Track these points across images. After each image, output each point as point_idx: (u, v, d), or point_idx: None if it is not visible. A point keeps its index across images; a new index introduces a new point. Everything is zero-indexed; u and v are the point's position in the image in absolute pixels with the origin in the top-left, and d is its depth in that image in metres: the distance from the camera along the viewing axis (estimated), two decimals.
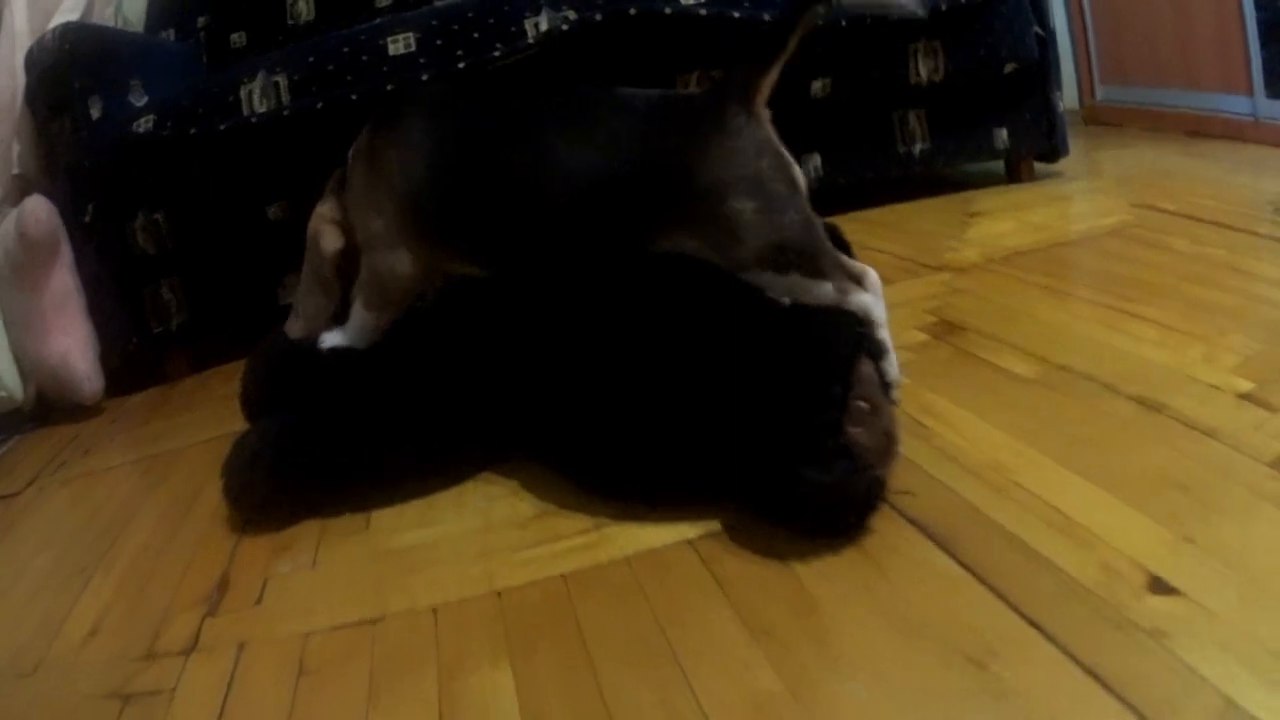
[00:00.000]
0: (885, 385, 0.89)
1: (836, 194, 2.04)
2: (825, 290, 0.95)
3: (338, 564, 1.01)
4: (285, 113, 1.73)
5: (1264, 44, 2.36)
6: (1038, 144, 2.12)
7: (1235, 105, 2.48)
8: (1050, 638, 0.71)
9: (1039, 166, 2.20)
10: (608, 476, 1.00)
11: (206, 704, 0.82)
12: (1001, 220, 1.86)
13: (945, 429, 1.05)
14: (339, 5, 2.38)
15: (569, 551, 0.95)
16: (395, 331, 1.13)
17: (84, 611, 1.02)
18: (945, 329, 1.34)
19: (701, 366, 0.91)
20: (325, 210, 1.19)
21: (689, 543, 0.92)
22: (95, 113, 1.77)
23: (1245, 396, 1.02)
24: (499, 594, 0.90)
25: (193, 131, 1.73)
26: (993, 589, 0.77)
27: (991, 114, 2.08)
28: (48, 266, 1.72)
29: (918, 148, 2.05)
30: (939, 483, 0.94)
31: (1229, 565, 0.75)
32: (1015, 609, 0.74)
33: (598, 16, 1.75)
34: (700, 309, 0.97)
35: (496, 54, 1.74)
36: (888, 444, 0.84)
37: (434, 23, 1.77)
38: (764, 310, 0.94)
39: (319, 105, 1.73)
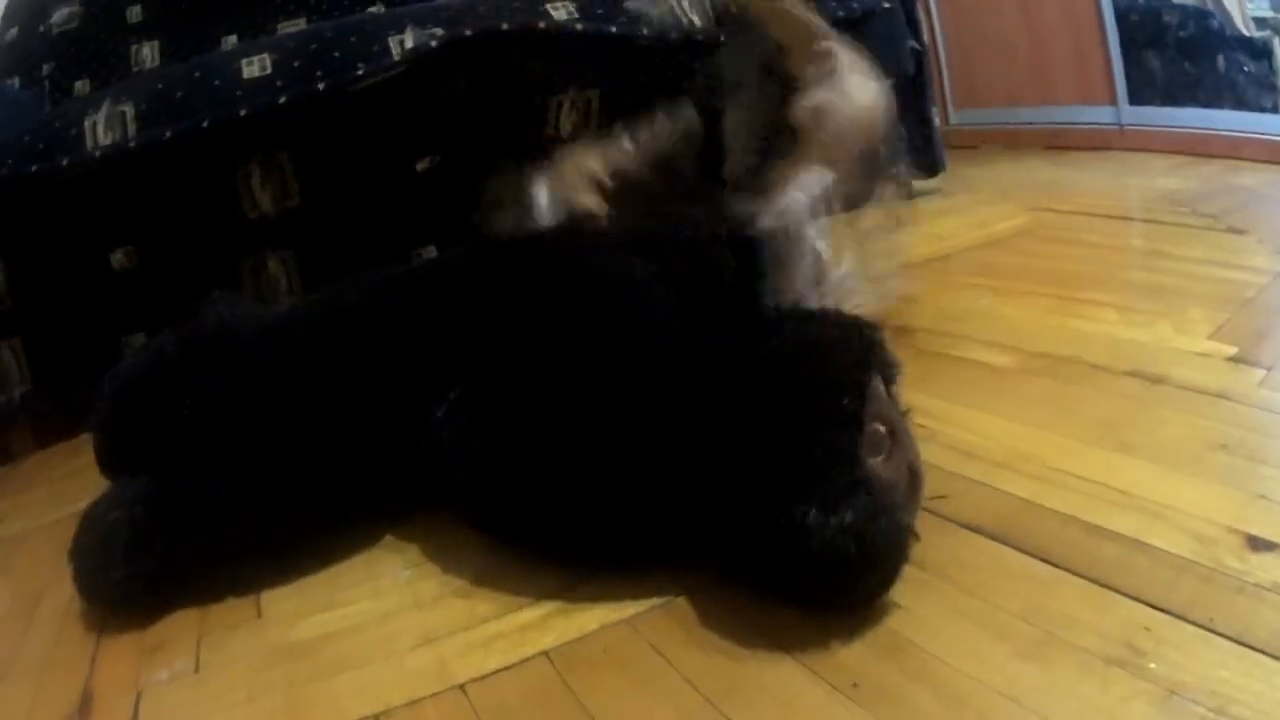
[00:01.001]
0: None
1: None
2: None
3: (228, 666, 0.77)
4: (131, 145, 1.54)
5: (1125, 50, 2.42)
6: (916, 158, 2.09)
7: (1098, 115, 2.55)
8: (1182, 617, 0.61)
9: (917, 184, 2.17)
10: (568, 537, 0.80)
11: None
12: (905, 234, 1.80)
13: (949, 427, 0.94)
14: (182, 50, 2.23)
15: (543, 620, 0.75)
16: (280, 357, 0.93)
17: None
18: (898, 331, 1.23)
19: (680, 391, 0.74)
20: None
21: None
22: None
23: (1235, 360, 0.98)
24: (463, 688, 0.69)
25: (33, 169, 1.53)
26: (1092, 580, 0.67)
27: None
28: None
29: None
30: (973, 481, 0.83)
31: None
32: (1129, 595, 0.64)
33: (467, 33, 1.62)
34: (671, 327, 0.82)
35: (360, 73, 1.58)
36: (913, 482, 0.68)
37: (290, 45, 1.62)
38: (755, 317, 0.80)
39: (167, 135, 1.54)
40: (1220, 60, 2.30)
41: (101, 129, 1.55)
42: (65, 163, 1.53)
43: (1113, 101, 2.47)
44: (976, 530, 0.76)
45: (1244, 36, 2.24)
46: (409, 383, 0.87)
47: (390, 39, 1.62)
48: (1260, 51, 2.22)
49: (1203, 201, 1.70)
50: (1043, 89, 2.68)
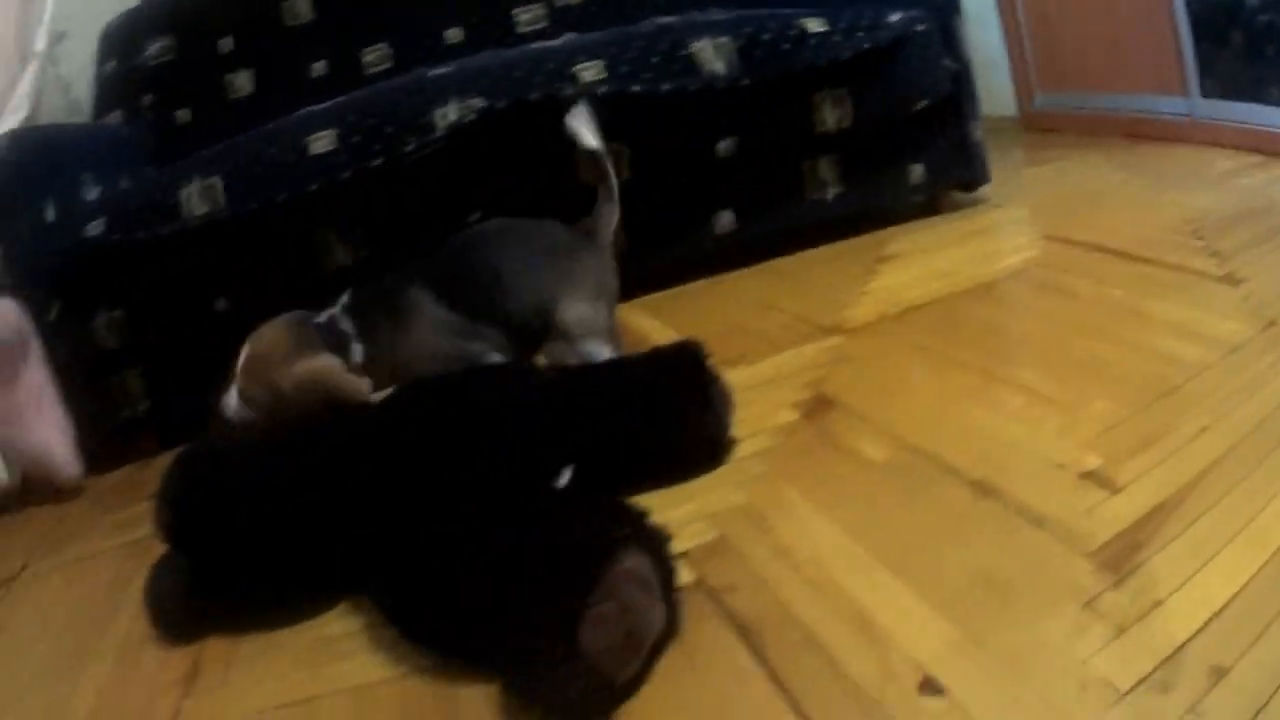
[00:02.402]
0: (664, 571, 0.93)
1: (751, 245, 2.10)
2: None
3: (287, 647, 1.11)
4: (222, 215, 1.81)
5: (1196, 43, 2.39)
6: (956, 175, 2.17)
7: (1171, 106, 2.53)
8: None
9: (961, 195, 2.24)
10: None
11: None
12: (907, 267, 1.92)
13: (785, 523, 1.10)
14: (276, 81, 2.49)
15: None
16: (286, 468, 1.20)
17: (83, 696, 1.11)
18: (817, 404, 1.39)
19: (494, 554, 0.97)
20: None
21: None
22: (50, 215, 1.86)
23: (1088, 475, 1.06)
24: (403, 677, 1.00)
25: (140, 236, 1.81)
26: (781, 687, 0.85)
27: (906, 151, 2.13)
28: (19, 364, 1.81)
29: (830, 193, 2.11)
30: (762, 579, 1.01)
31: (1007, 667, 0.81)
32: (795, 708, 0.82)
33: (500, 104, 1.81)
34: (507, 498, 1.06)
35: (409, 149, 1.81)
36: (634, 645, 0.87)
37: (351, 118, 1.85)
38: (544, 511, 1.02)
39: (253, 207, 1.81)
40: None
41: (196, 200, 1.82)
42: (166, 231, 1.81)
43: (1184, 93, 2.44)
44: (735, 623, 0.95)
45: None
46: (359, 500, 1.14)
47: (435, 112, 1.83)
48: None
49: (1232, 228, 1.74)
50: (1120, 77, 2.66)
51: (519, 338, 1.53)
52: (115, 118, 2.48)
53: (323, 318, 1.50)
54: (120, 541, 1.55)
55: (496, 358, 1.51)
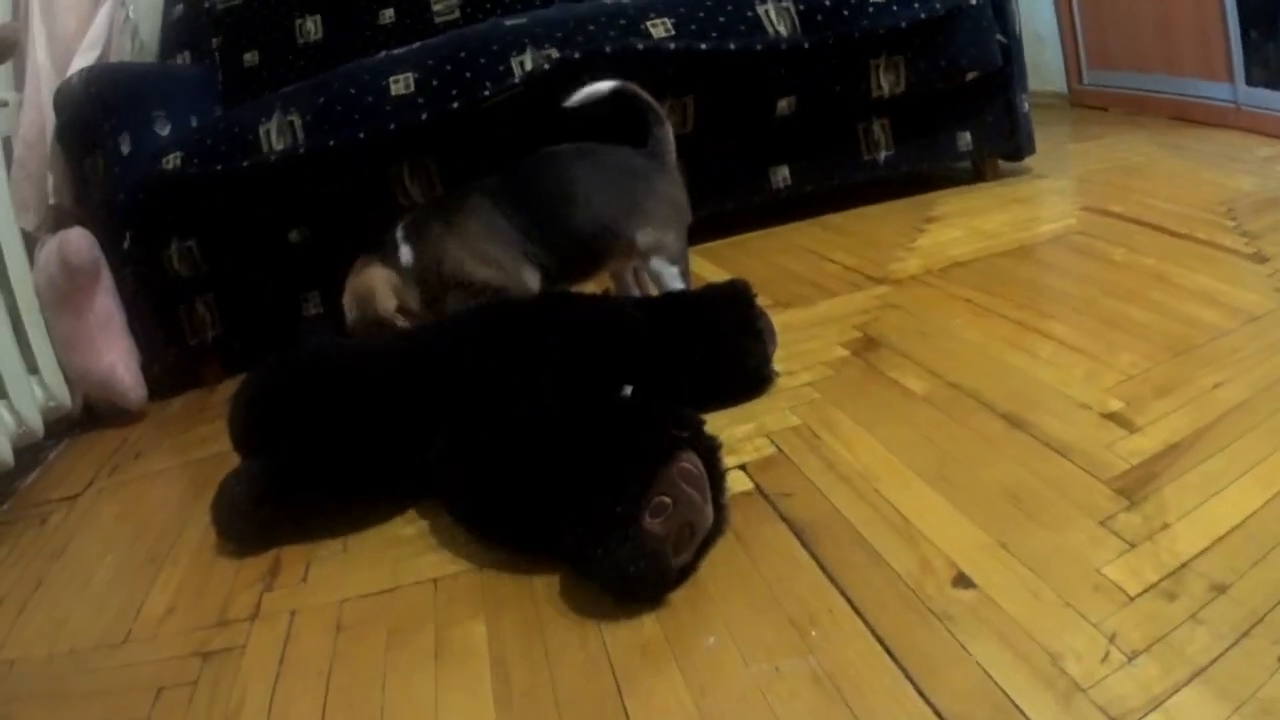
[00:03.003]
0: (714, 476, 1.03)
1: (805, 200, 2.20)
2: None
3: (364, 549, 1.22)
4: (301, 151, 1.91)
5: (1244, 30, 2.45)
6: (1001, 145, 2.25)
7: (1217, 92, 2.58)
8: (859, 613, 0.90)
9: (1006, 164, 2.33)
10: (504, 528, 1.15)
11: (271, 656, 1.04)
12: (953, 227, 2.02)
13: (835, 441, 1.23)
14: (344, 25, 2.55)
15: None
16: (353, 379, 1.30)
17: (159, 595, 1.21)
18: (865, 344, 1.51)
19: (563, 450, 1.06)
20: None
21: None
22: (125, 148, 1.94)
23: (1110, 416, 1.17)
24: (480, 569, 1.11)
25: (218, 169, 1.91)
26: (830, 575, 0.97)
27: (954, 119, 2.22)
28: (90, 291, 1.88)
29: (882, 154, 2.21)
30: (815, 487, 1.14)
31: (1031, 569, 0.92)
32: (842, 591, 0.94)
33: (576, 55, 1.92)
34: (568, 405, 1.15)
35: (487, 93, 1.92)
36: (688, 534, 0.97)
37: (430, 62, 1.95)
38: (609, 414, 1.11)
39: (331, 144, 1.91)
40: None
41: (275, 135, 1.92)
42: (245, 164, 1.91)
43: (1230, 79, 2.49)
44: (789, 523, 1.07)
45: None
46: (429, 407, 1.24)
47: (513, 59, 1.93)
48: None
49: (1265, 211, 1.82)
50: (1168, 59, 2.71)
51: (571, 258, 1.61)
52: (183, 59, 2.55)
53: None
54: (184, 461, 1.66)
55: (534, 280, 1.59)
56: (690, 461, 0.97)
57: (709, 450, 1.02)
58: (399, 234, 1.59)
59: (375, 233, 1.63)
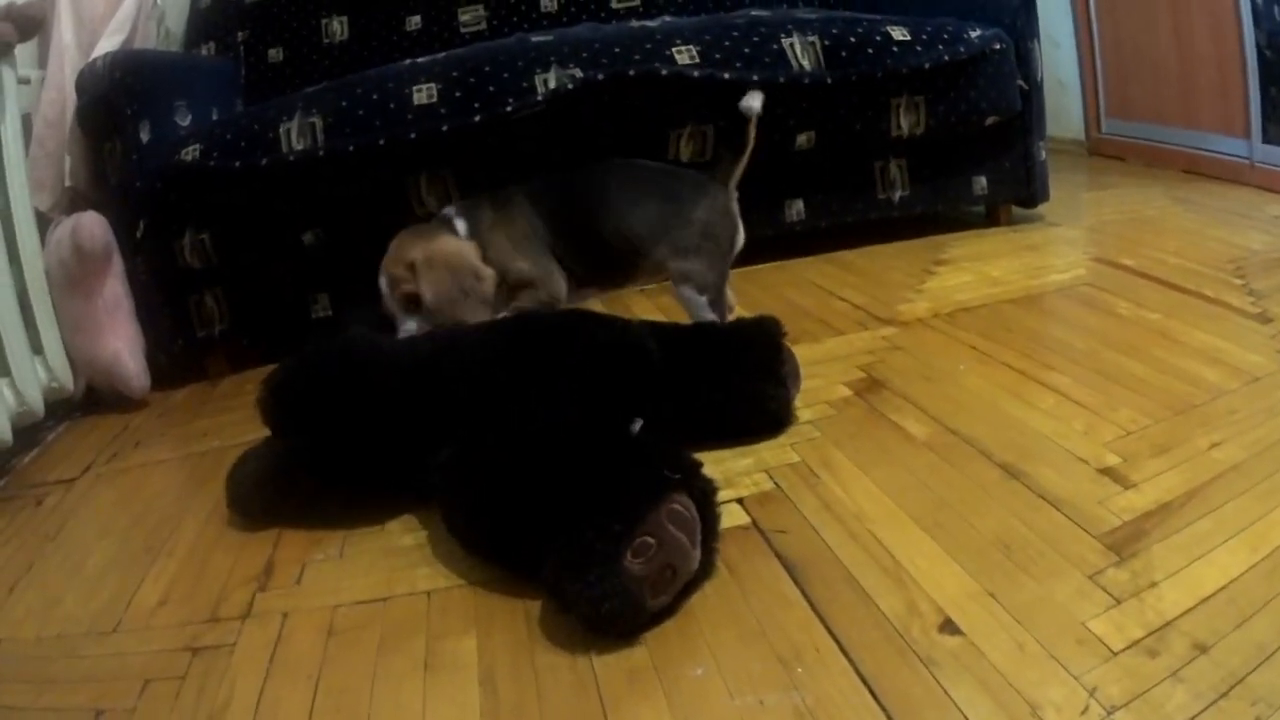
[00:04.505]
0: (708, 521, 1.03)
1: (819, 235, 2.22)
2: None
3: (359, 556, 1.23)
4: (320, 153, 1.92)
5: (1264, 88, 2.47)
6: (1016, 191, 2.27)
7: (1232, 147, 2.60)
8: (845, 652, 0.92)
9: (1020, 210, 2.34)
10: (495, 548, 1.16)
11: (261, 656, 1.04)
12: (963, 271, 2.04)
13: (833, 480, 1.24)
14: (371, 28, 2.57)
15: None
16: (379, 376, 1.31)
17: (152, 585, 1.22)
18: (868, 385, 1.52)
19: (557, 479, 1.06)
20: None
21: None
22: (145, 136, 1.95)
23: (1105, 470, 1.18)
24: (473, 585, 1.12)
25: (237, 164, 1.92)
26: (818, 613, 0.98)
27: (971, 162, 2.24)
28: (101, 276, 1.89)
29: (897, 194, 2.22)
30: (810, 525, 1.15)
31: (1017, 619, 0.93)
32: (829, 629, 0.95)
33: (600, 76, 1.94)
34: (571, 434, 1.15)
35: (509, 109, 1.93)
36: (669, 576, 0.97)
37: (454, 74, 1.97)
38: (607, 447, 1.10)
39: (350, 148, 1.92)
40: None
41: (295, 136, 1.93)
42: (264, 162, 1.92)
43: (1246, 135, 2.52)
44: (783, 560, 1.09)
45: None
46: (443, 413, 1.25)
47: (537, 76, 1.95)
48: None
49: (1273, 270, 1.84)
50: (1185, 112, 2.74)
51: (598, 269, 1.64)
52: (208, 50, 2.57)
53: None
54: (185, 453, 1.66)
55: (562, 283, 1.63)
56: (682, 503, 0.98)
57: (704, 494, 1.03)
58: (453, 212, 1.64)
59: (385, 243, 1.65)
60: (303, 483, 1.30)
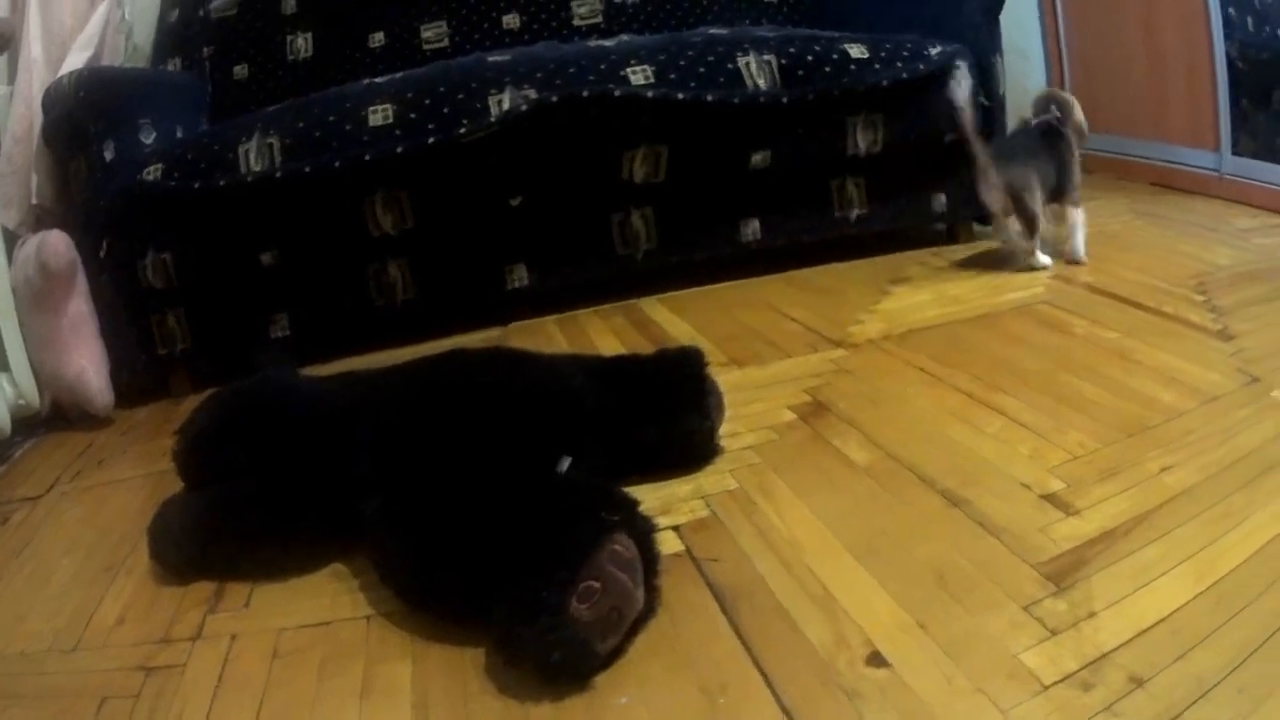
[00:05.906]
0: (649, 559, 1.01)
1: (775, 254, 2.20)
2: None
3: (306, 580, 1.22)
4: (277, 174, 1.91)
5: (1234, 101, 2.47)
6: (977, 209, 2.25)
7: (1200, 159, 2.60)
8: (769, 683, 0.90)
9: (981, 227, 2.33)
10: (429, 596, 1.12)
11: (209, 676, 1.05)
12: (920, 290, 2.02)
13: (769, 508, 1.22)
14: (335, 45, 2.57)
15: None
16: (299, 419, 1.29)
17: (111, 605, 1.22)
18: (813, 410, 1.50)
19: (495, 527, 1.04)
20: None
21: None
22: (109, 154, 1.93)
23: (1048, 497, 1.16)
24: (413, 611, 1.11)
25: (196, 185, 1.91)
26: (745, 644, 0.97)
27: (930, 180, 2.23)
28: (66, 294, 1.89)
29: (854, 213, 2.21)
30: (744, 553, 1.13)
31: (947, 652, 0.91)
32: (755, 660, 0.94)
33: (553, 98, 1.92)
34: (501, 481, 1.12)
35: (463, 131, 1.92)
36: (616, 618, 0.95)
37: (410, 95, 1.96)
38: (541, 493, 1.08)
39: (306, 169, 1.91)
40: None
41: (253, 156, 1.92)
42: (222, 183, 1.91)
43: (1215, 147, 2.51)
44: (714, 589, 1.07)
45: None
46: (368, 457, 1.21)
47: (491, 98, 1.94)
48: None
49: (1237, 286, 1.83)
50: (1154, 124, 2.74)
51: None
52: (174, 65, 2.56)
53: None
54: (147, 471, 1.65)
55: None
56: (622, 544, 0.96)
57: (643, 533, 1.01)
58: None
59: (341, 263, 1.62)
60: (226, 534, 1.26)
